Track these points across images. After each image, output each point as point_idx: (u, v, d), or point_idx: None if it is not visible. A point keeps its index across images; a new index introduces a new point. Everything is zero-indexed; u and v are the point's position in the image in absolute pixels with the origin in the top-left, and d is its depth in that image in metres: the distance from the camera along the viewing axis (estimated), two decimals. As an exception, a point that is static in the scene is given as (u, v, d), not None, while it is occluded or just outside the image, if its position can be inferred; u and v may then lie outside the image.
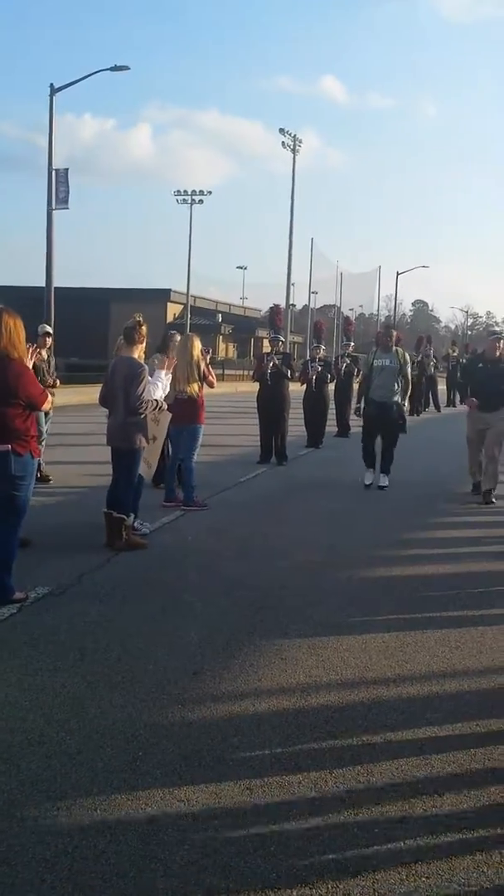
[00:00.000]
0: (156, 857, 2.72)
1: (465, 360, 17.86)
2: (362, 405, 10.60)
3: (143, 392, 6.65)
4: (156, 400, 6.79)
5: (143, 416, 6.73)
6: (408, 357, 10.92)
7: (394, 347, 10.38)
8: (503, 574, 6.55)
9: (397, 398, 10.20)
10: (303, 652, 4.66)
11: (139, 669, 4.31)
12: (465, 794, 3.21)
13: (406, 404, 10.69)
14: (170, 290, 59.37)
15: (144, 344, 7.03)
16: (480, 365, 10.01)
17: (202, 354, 8.71)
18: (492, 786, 3.27)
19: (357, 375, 18.06)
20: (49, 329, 10.50)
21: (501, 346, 9.74)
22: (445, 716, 3.91)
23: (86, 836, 2.82)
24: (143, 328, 6.89)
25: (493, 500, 9.55)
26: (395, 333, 10.83)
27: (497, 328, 10.33)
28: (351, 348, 18.26)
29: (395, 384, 10.17)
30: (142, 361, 7.02)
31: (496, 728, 3.81)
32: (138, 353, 6.92)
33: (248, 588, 5.88)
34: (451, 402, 26.90)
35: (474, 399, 9.78)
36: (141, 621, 5.08)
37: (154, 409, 6.82)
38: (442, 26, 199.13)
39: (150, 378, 6.95)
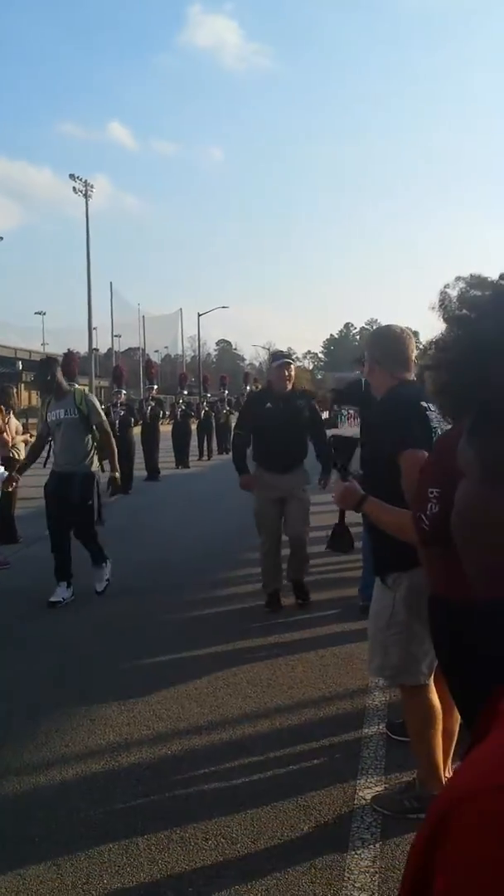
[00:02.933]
0: None
1: (245, 399, 14.35)
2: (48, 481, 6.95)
3: None
4: None
5: None
6: (94, 401, 7.02)
7: (69, 388, 6.92)
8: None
9: (87, 465, 6.81)
10: (112, 710, 4.50)
11: None
12: (280, 836, 3.18)
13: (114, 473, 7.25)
14: (-38, 339, 57.17)
15: None
16: (269, 405, 6.54)
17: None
18: (305, 825, 3.27)
19: (162, 417, 18.18)
20: None
21: (292, 372, 6.62)
22: (258, 760, 3.88)
23: None
24: None
25: (308, 598, 6.55)
26: (58, 372, 6.89)
27: (283, 351, 7.64)
28: (155, 391, 18.44)
29: (83, 445, 6.82)
30: None
31: (307, 764, 3.83)
32: None
33: (50, 649, 5.64)
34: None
35: (249, 476, 6.53)
36: None
37: None
38: (220, 75, 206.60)
39: None
